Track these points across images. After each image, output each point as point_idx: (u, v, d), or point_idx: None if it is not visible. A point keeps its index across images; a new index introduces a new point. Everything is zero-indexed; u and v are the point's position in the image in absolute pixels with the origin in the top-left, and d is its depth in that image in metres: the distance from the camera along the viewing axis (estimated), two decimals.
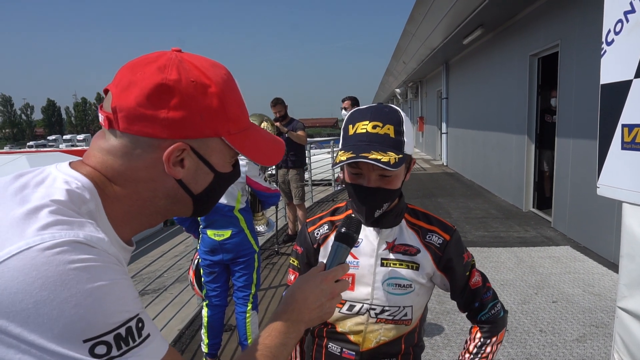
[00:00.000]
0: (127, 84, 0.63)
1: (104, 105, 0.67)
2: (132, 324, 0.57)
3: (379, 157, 1.01)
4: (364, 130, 1.06)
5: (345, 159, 1.03)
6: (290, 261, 1.36)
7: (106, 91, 0.67)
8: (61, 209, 0.57)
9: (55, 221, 0.55)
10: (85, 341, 0.52)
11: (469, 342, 1.27)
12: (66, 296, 0.51)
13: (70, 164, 0.67)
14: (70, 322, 0.52)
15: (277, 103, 5.51)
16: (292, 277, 1.33)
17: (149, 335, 0.59)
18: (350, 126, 1.10)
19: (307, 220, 1.33)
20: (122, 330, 0.55)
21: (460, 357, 1.27)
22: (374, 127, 1.06)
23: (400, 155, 1.04)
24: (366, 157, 1.01)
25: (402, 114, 1.11)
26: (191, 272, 3.06)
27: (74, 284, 0.52)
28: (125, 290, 0.58)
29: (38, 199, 0.58)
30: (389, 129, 1.06)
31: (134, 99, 0.63)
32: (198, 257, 3.00)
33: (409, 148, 1.10)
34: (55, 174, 0.63)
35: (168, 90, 0.63)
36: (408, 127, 1.10)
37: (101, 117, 0.66)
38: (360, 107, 1.13)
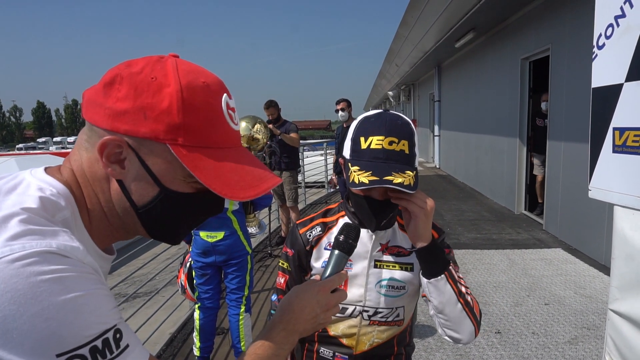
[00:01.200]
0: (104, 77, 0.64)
1: None
2: (109, 335, 0.55)
3: (400, 179, 0.99)
4: (380, 146, 1.03)
5: (368, 182, 1.00)
6: (280, 264, 1.32)
7: None
8: (33, 217, 0.55)
9: (26, 231, 0.53)
10: (58, 355, 0.50)
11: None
12: (37, 310, 0.49)
13: (46, 169, 0.65)
14: (42, 337, 0.50)
15: (271, 106, 5.50)
16: (282, 280, 1.30)
17: (127, 346, 0.57)
18: (362, 139, 1.06)
19: (297, 222, 1.30)
20: (99, 342, 0.53)
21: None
22: (390, 143, 1.03)
23: (415, 172, 1.05)
24: (390, 182, 0.99)
25: (412, 125, 1.11)
26: (182, 276, 3.04)
27: (45, 297, 0.50)
28: (101, 301, 0.55)
29: (8, 207, 0.55)
30: (404, 144, 1.04)
31: (95, 87, 0.63)
32: (190, 259, 2.98)
33: (417, 160, 1.11)
34: (29, 180, 0.61)
35: (121, 80, 0.61)
36: (417, 139, 1.11)
37: None
38: (370, 115, 1.10)
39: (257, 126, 3.53)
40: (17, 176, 0.62)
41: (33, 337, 0.49)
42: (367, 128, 1.07)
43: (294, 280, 1.26)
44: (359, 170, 1.03)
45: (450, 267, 1.10)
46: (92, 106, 0.63)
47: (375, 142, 1.04)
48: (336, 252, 0.89)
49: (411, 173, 1.03)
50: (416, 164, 1.09)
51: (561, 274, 4.50)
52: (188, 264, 2.99)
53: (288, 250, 1.28)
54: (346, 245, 0.90)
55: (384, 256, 1.19)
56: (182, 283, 3.02)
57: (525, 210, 7.21)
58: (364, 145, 1.05)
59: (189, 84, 0.62)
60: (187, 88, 0.61)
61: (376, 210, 1.10)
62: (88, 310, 0.53)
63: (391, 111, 1.12)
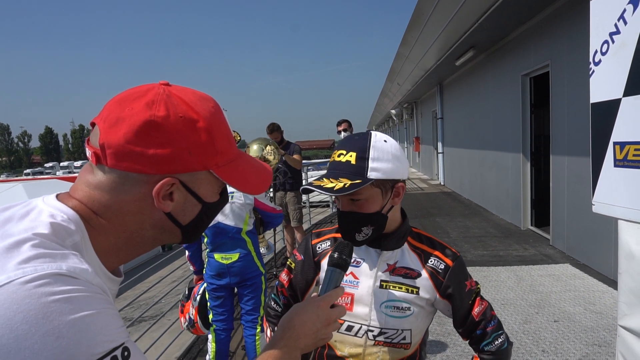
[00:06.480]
0: (115, 120, 0.63)
1: (91, 140, 0.66)
2: (118, 353, 0.56)
3: (322, 184, 1.09)
4: (332, 159, 1.16)
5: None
6: (288, 263, 1.38)
7: (93, 124, 0.67)
8: (44, 242, 0.57)
9: (38, 254, 0.55)
10: None
11: None
12: (48, 329, 0.51)
13: (57, 196, 0.67)
14: (53, 355, 0.51)
15: (274, 130, 5.56)
16: (286, 277, 1.36)
17: None
18: (333, 155, 1.19)
19: (314, 231, 1.36)
20: None
21: None
22: (340, 155, 1.14)
23: (357, 181, 1.07)
24: (311, 184, 1.11)
25: (376, 139, 1.13)
26: (192, 310, 2.98)
27: (55, 316, 0.52)
28: (109, 320, 0.57)
29: (21, 232, 0.58)
30: (351, 156, 1.12)
31: (122, 136, 0.62)
32: (199, 292, 2.97)
33: (383, 173, 1.10)
34: (41, 207, 0.63)
35: (156, 127, 0.63)
36: (380, 153, 1.11)
37: (88, 152, 0.66)
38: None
39: (269, 148, 3.59)
40: (30, 203, 0.64)
41: (44, 356, 0.50)
42: (336, 147, 1.20)
43: (296, 281, 1.33)
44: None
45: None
46: (128, 157, 0.63)
47: (333, 156, 1.17)
48: (332, 268, 0.96)
49: (347, 180, 1.08)
50: (376, 175, 1.09)
51: (570, 290, 4.45)
52: (198, 297, 2.97)
53: (297, 254, 1.35)
54: (340, 261, 0.96)
55: (391, 276, 1.20)
56: (192, 317, 2.98)
57: (531, 225, 7.16)
58: (330, 160, 1.18)
59: (209, 113, 0.69)
60: (210, 117, 0.68)
61: (340, 220, 1.16)
62: (97, 328, 0.54)
63: (372, 131, 1.17)
